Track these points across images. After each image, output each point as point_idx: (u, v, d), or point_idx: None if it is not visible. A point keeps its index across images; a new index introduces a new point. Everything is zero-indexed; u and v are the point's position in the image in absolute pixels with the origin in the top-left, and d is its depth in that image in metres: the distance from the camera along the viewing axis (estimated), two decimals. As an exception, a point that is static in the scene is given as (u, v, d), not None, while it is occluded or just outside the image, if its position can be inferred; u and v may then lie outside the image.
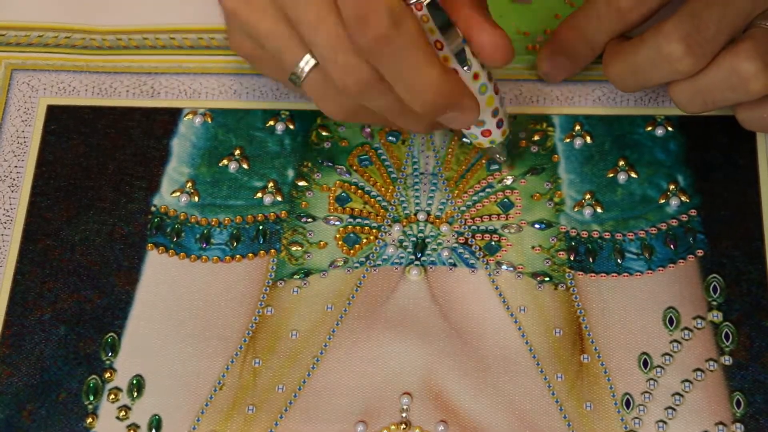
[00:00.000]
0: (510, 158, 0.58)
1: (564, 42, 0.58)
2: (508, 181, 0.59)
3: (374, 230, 0.58)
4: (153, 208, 0.59)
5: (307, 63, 0.51)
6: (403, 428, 0.53)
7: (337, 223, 0.58)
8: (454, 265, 0.57)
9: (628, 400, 0.53)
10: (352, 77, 0.49)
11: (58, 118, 0.61)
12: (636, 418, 0.53)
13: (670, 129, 0.59)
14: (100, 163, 0.60)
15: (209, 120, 0.61)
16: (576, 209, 0.58)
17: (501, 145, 0.56)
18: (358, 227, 0.58)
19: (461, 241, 0.57)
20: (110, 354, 0.55)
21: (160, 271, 0.57)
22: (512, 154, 0.59)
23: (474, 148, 0.59)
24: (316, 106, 0.53)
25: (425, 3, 0.48)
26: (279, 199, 0.59)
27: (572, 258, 0.57)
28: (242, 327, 0.56)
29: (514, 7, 0.63)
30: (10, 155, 0.60)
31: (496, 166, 0.59)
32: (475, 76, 0.51)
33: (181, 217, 0.58)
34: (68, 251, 0.58)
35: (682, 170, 0.58)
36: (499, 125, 0.54)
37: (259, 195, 0.59)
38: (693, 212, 0.57)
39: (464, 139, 0.59)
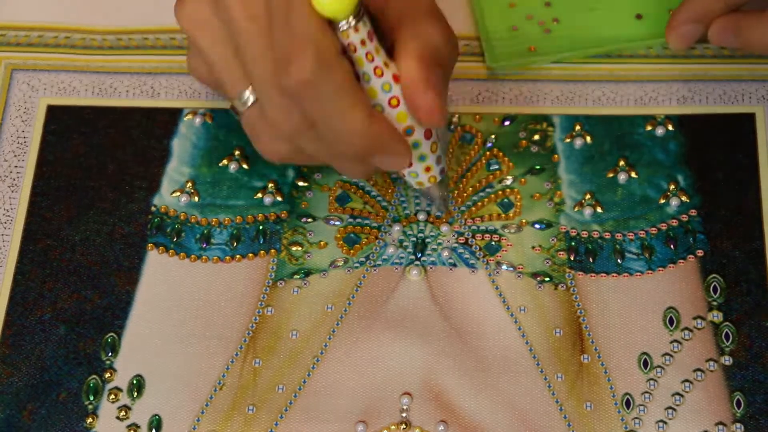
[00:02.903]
0: (445, 202, 0.56)
1: (700, 5, 0.58)
2: (508, 181, 0.59)
3: (374, 230, 0.58)
4: (153, 208, 0.59)
5: (247, 98, 0.50)
6: (403, 428, 0.53)
7: (338, 223, 0.58)
8: (454, 265, 0.57)
9: (628, 400, 0.53)
10: (285, 118, 0.48)
11: (58, 118, 0.61)
12: (636, 418, 0.53)
13: (670, 128, 0.59)
14: (101, 163, 0.60)
15: (209, 120, 0.61)
16: (576, 209, 0.58)
17: (439, 185, 0.54)
18: (358, 227, 0.58)
19: (461, 241, 0.57)
20: (110, 354, 0.55)
21: (160, 271, 0.57)
22: (511, 153, 0.59)
23: (474, 147, 0.59)
24: (253, 144, 0.52)
25: (353, 24, 0.47)
26: (279, 199, 0.59)
27: (572, 258, 0.57)
28: (242, 327, 0.56)
29: None
30: (11, 155, 0.60)
31: (497, 166, 0.59)
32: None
33: (182, 217, 0.58)
34: (68, 251, 0.58)
35: (682, 170, 0.58)
36: (438, 162, 0.53)
37: (260, 195, 0.59)
38: (693, 212, 0.57)
39: (407, 180, 0.55)
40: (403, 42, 0.49)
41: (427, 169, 0.53)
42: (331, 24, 0.47)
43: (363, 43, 0.48)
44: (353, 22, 0.47)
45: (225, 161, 0.60)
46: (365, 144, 0.49)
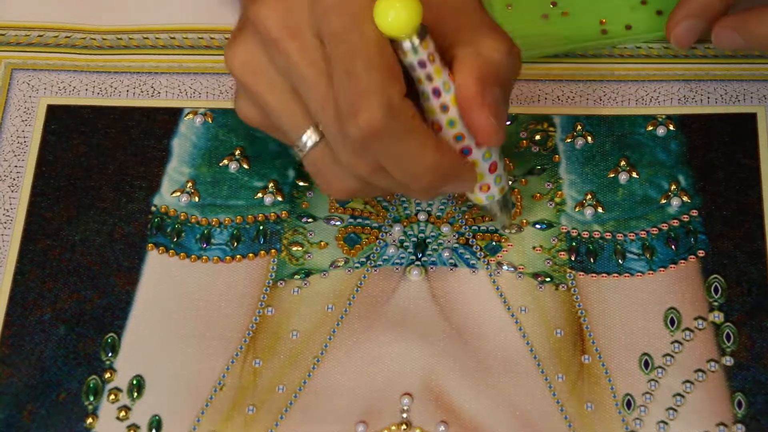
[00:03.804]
0: (507, 218, 0.55)
1: (699, 1, 0.58)
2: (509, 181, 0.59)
3: (375, 230, 0.58)
4: (153, 208, 0.59)
5: (309, 138, 0.49)
6: (404, 429, 0.53)
7: (338, 223, 0.58)
8: (455, 265, 0.57)
9: (629, 400, 0.53)
10: (356, 162, 0.48)
11: (58, 117, 0.61)
12: (637, 418, 0.53)
13: (671, 128, 0.59)
14: (101, 163, 0.60)
15: (210, 120, 0.61)
16: (577, 209, 0.58)
17: (498, 203, 0.54)
18: (358, 227, 0.58)
19: (462, 242, 0.57)
20: (110, 354, 0.55)
21: (160, 271, 0.57)
22: (511, 153, 0.59)
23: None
24: (316, 184, 0.52)
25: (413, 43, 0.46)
26: (279, 199, 0.59)
27: (573, 258, 0.56)
28: (242, 327, 0.55)
29: None
30: (10, 155, 0.60)
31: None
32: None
33: (182, 217, 0.58)
34: (68, 251, 0.57)
35: (684, 170, 0.58)
36: (497, 182, 0.52)
37: (260, 195, 0.59)
38: (694, 212, 0.57)
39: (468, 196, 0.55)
40: (461, 59, 0.48)
41: (485, 188, 0.52)
42: (393, 43, 0.46)
43: (423, 64, 0.47)
44: (417, 42, 0.46)
45: (225, 161, 0.60)
46: (436, 178, 0.48)
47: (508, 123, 0.60)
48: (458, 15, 0.49)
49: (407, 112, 0.46)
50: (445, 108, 0.48)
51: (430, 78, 0.47)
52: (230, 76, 0.57)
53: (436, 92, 0.48)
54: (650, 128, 0.59)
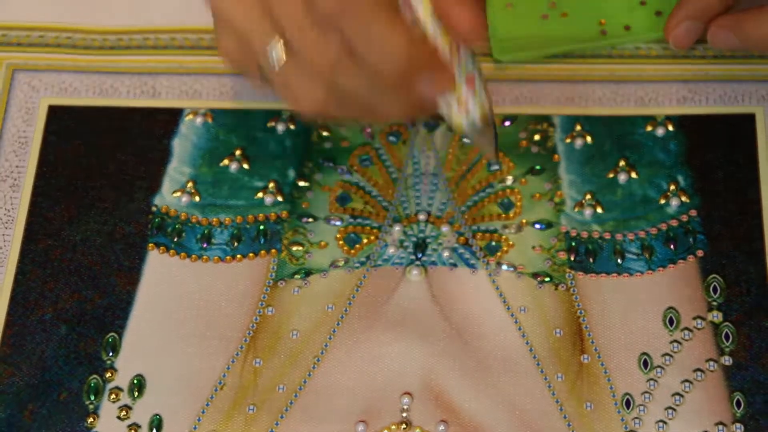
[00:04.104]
0: (492, 149, 0.53)
1: (698, 2, 0.58)
2: (509, 181, 0.59)
3: (375, 230, 0.58)
4: (154, 208, 0.59)
5: (277, 49, 0.49)
6: (404, 428, 0.53)
7: (338, 223, 0.58)
8: (455, 265, 0.57)
9: (628, 400, 0.53)
10: (323, 49, 0.48)
11: (59, 118, 0.61)
12: (636, 418, 0.53)
13: (670, 129, 0.59)
14: (101, 163, 0.60)
15: (210, 120, 0.61)
16: (576, 209, 0.58)
17: (481, 129, 0.51)
18: (358, 227, 0.58)
19: (462, 242, 0.57)
20: (111, 354, 0.55)
21: (160, 271, 0.57)
22: (511, 153, 0.59)
23: (474, 148, 0.59)
24: (286, 102, 0.52)
25: None
26: (280, 199, 0.59)
27: (572, 258, 0.57)
28: (243, 327, 0.56)
29: None
30: (12, 155, 0.60)
31: (497, 167, 0.59)
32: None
33: (182, 217, 0.58)
34: (69, 251, 0.58)
35: (683, 170, 0.58)
36: (476, 98, 0.50)
37: (260, 195, 0.59)
38: (693, 212, 0.57)
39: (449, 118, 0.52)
40: None
41: (462, 104, 0.50)
42: None
43: None
44: None
45: (226, 161, 0.60)
46: (408, 59, 0.48)
47: (508, 123, 0.60)
48: None
49: None
50: (416, 22, 0.48)
51: None
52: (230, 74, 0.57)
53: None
54: (649, 128, 0.60)
